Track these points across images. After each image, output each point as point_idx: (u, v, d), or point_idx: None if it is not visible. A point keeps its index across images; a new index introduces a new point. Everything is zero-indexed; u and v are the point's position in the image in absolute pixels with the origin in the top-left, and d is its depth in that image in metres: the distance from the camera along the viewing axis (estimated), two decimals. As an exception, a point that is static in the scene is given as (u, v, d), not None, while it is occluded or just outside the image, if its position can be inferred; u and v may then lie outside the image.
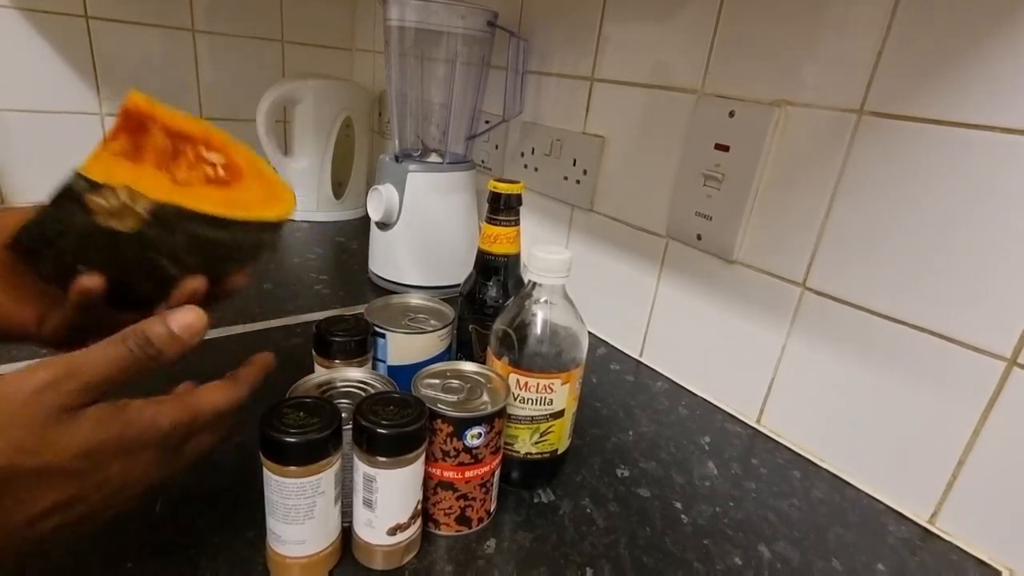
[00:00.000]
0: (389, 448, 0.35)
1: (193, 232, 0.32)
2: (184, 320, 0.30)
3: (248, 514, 0.40)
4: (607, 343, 0.74)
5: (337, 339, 0.45)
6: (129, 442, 0.27)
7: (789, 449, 0.56)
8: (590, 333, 0.71)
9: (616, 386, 0.64)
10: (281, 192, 0.37)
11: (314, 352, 0.46)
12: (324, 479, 0.34)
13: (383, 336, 0.49)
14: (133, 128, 0.34)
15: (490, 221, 0.51)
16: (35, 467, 0.25)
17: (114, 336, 0.29)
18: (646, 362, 0.70)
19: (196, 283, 0.33)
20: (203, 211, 0.32)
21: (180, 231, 0.32)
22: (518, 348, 0.43)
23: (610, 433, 0.55)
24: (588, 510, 0.45)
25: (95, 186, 0.30)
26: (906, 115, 0.45)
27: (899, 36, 0.45)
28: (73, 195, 0.30)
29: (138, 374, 0.29)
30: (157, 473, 0.30)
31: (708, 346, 0.63)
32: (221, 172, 0.36)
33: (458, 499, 0.40)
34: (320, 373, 0.43)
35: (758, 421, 0.59)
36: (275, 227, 0.36)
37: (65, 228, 0.31)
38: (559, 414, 0.44)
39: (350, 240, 1.00)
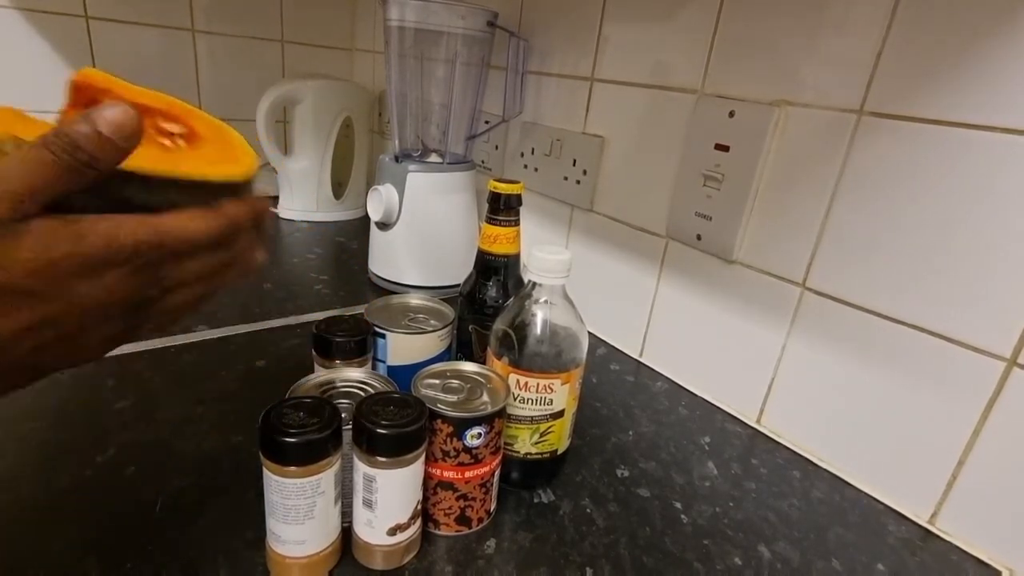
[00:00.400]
0: (389, 448, 0.35)
1: (113, 195, 0.27)
2: (111, 117, 0.25)
3: (248, 514, 0.40)
4: (607, 343, 0.74)
5: (337, 339, 0.45)
6: (87, 259, 0.25)
7: (789, 449, 0.56)
8: (590, 333, 0.71)
9: (616, 386, 0.64)
10: (239, 154, 0.32)
11: (314, 352, 0.46)
12: (324, 479, 0.34)
13: (383, 336, 0.49)
14: (86, 104, 0.30)
15: (490, 221, 0.51)
16: None
17: (34, 141, 0.25)
18: (646, 362, 0.70)
19: None
20: (122, 168, 0.26)
21: (95, 194, 0.26)
22: (518, 348, 0.43)
23: (610, 433, 0.55)
24: (588, 510, 0.45)
25: None
26: (906, 115, 0.45)
27: (899, 36, 0.45)
28: None
29: (72, 183, 0.25)
30: (136, 297, 0.27)
31: (708, 346, 0.63)
32: (180, 143, 0.31)
33: (458, 499, 0.40)
34: (320, 373, 0.43)
35: (758, 421, 0.59)
36: (225, 191, 0.30)
37: None
38: (559, 414, 0.44)
39: (350, 240, 1.00)
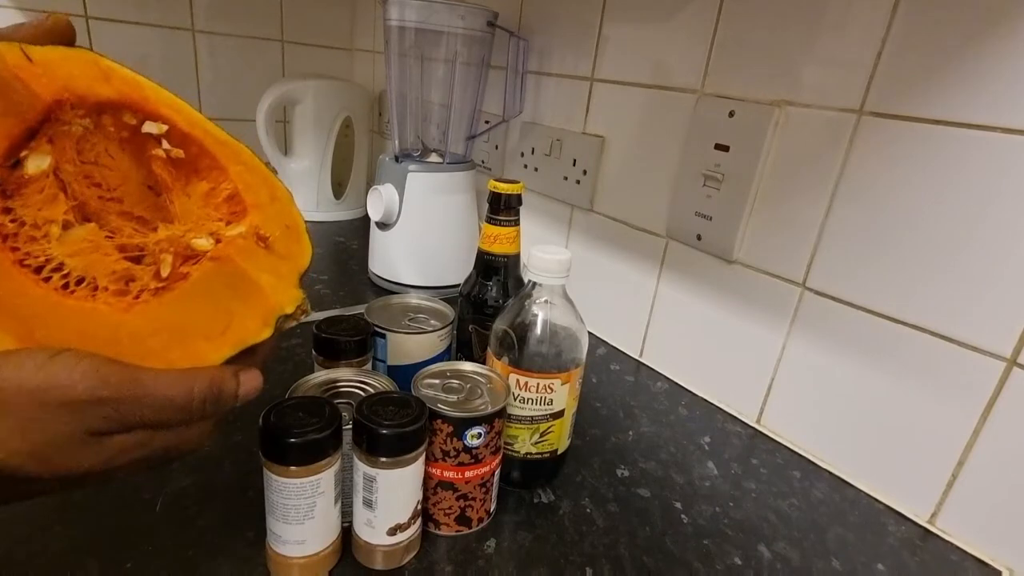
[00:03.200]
0: (389, 448, 0.35)
1: None
2: (253, 385, 0.27)
3: (248, 514, 0.40)
4: (607, 343, 0.74)
5: (337, 339, 0.45)
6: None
7: (789, 449, 0.56)
8: (590, 333, 0.71)
9: (616, 386, 0.64)
10: (304, 237, 0.30)
11: (314, 352, 0.46)
12: (324, 479, 0.34)
13: (383, 336, 0.49)
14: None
15: (490, 221, 0.51)
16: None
17: (187, 372, 0.25)
18: (646, 362, 0.70)
19: None
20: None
21: None
22: (518, 348, 0.43)
23: (610, 433, 0.55)
24: (588, 510, 0.45)
25: None
26: (906, 115, 0.45)
27: (899, 36, 0.45)
28: None
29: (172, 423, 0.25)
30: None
31: (708, 346, 0.63)
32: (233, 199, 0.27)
33: (458, 499, 0.40)
34: (320, 373, 0.43)
35: (758, 421, 0.59)
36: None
37: None
38: (559, 414, 0.44)
39: (350, 240, 1.00)
